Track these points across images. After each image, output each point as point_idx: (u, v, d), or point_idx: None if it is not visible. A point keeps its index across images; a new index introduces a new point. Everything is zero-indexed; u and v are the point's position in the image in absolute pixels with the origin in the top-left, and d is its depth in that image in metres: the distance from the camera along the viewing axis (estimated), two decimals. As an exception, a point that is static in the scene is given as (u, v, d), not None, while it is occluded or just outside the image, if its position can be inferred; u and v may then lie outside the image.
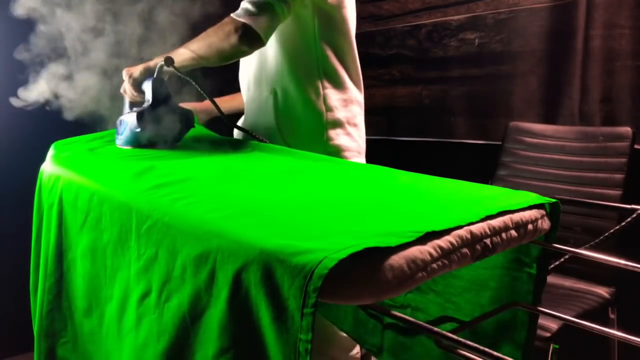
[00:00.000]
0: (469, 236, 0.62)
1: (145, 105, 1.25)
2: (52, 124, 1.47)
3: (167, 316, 0.71)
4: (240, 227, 0.64)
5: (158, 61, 1.24)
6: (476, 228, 0.64)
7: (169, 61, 1.19)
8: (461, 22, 2.20)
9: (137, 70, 1.27)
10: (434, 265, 0.58)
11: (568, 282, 1.68)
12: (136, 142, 1.23)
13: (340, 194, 0.81)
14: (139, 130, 1.21)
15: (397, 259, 0.54)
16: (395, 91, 2.38)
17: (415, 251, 0.56)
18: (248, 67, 1.44)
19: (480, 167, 2.02)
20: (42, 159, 1.24)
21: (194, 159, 1.12)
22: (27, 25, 1.68)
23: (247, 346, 0.59)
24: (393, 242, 0.55)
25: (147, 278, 0.77)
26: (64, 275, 1.06)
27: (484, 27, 2.13)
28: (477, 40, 2.16)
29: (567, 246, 0.75)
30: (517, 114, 2.04)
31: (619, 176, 1.69)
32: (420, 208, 0.70)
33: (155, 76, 1.25)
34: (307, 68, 1.32)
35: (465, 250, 0.62)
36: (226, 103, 1.59)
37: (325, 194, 0.81)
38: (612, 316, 1.65)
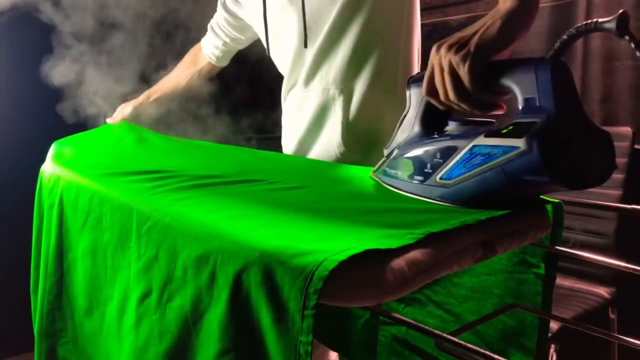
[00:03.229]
0: (470, 238, 0.62)
1: (533, 119, 0.62)
2: (52, 124, 1.47)
3: (169, 317, 0.71)
4: (240, 229, 0.64)
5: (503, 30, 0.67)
6: (477, 229, 0.64)
7: (626, 21, 0.58)
8: (461, 22, 2.20)
9: (476, 40, 0.67)
10: (435, 268, 0.58)
11: (568, 282, 1.68)
12: (507, 197, 0.66)
13: (341, 195, 0.81)
14: (539, 177, 0.60)
15: (398, 261, 0.54)
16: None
17: (416, 253, 0.56)
18: (301, 58, 1.19)
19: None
20: (42, 159, 1.24)
21: (194, 160, 1.13)
22: (27, 25, 1.68)
23: (248, 347, 0.59)
24: (394, 244, 0.55)
25: (148, 278, 0.77)
26: (64, 275, 1.06)
27: (484, 27, 2.13)
28: (477, 40, 2.16)
29: (567, 247, 0.75)
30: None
31: (619, 176, 1.69)
32: (420, 210, 0.70)
33: (554, 55, 0.64)
34: (393, 63, 1.11)
35: (466, 252, 0.62)
36: (160, 91, 1.49)
37: (326, 195, 0.81)
38: (612, 316, 1.65)
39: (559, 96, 0.61)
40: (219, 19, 1.42)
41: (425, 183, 0.72)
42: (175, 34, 1.74)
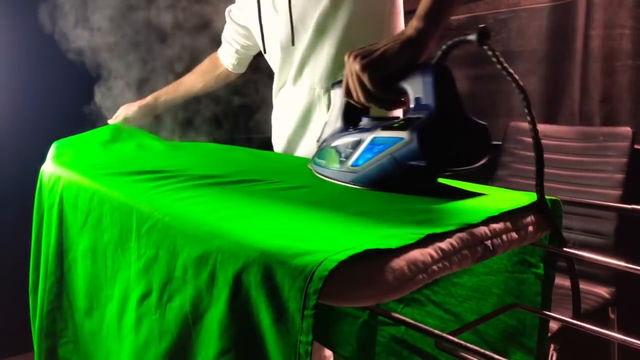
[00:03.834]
0: (469, 238, 0.62)
1: (419, 114, 0.76)
2: (52, 124, 1.47)
3: (169, 317, 0.71)
4: (240, 228, 0.64)
5: (403, 43, 0.79)
6: (477, 230, 0.64)
7: (486, 36, 0.70)
8: (461, 22, 2.20)
9: (378, 54, 0.79)
10: (435, 267, 0.58)
11: (568, 282, 1.68)
12: (398, 180, 0.78)
13: (341, 195, 0.81)
14: (419, 162, 0.73)
15: (397, 261, 0.55)
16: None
17: (416, 253, 0.56)
18: (290, 56, 1.25)
19: (480, 167, 2.02)
20: (42, 159, 1.24)
21: (194, 160, 1.13)
22: (27, 26, 1.68)
23: (248, 347, 0.59)
24: (394, 244, 0.55)
25: (148, 278, 0.77)
26: (64, 275, 1.06)
27: (484, 27, 2.13)
28: (477, 40, 2.16)
29: (567, 247, 0.75)
30: (517, 114, 2.04)
31: (619, 176, 1.69)
32: (420, 210, 0.70)
33: (438, 61, 0.77)
34: None
35: (466, 252, 0.62)
36: (170, 94, 1.54)
37: (326, 195, 0.81)
38: (612, 316, 1.65)
39: (439, 96, 0.74)
40: (228, 29, 1.51)
41: (341, 170, 0.85)
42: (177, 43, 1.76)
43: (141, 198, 0.84)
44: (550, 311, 0.78)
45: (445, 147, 0.74)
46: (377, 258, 0.54)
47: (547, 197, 0.74)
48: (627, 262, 0.71)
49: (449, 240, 0.60)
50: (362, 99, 0.82)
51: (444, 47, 0.76)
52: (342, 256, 0.51)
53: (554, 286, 0.80)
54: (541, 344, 0.79)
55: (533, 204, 0.72)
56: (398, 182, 0.78)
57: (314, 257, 0.52)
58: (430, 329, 0.54)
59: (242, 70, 1.58)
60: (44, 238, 1.12)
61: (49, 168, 1.16)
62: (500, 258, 0.80)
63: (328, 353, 1.33)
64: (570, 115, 1.93)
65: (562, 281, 1.77)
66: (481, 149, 0.76)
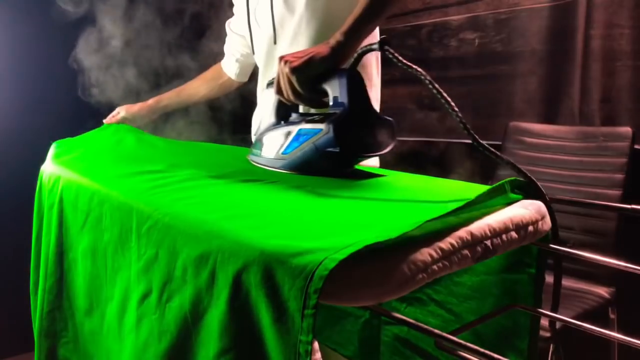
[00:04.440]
0: (469, 238, 0.62)
1: (335, 110, 0.90)
2: (52, 124, 1.47)
3: (168, 316, 0.71)
4: (240, 228, 0.64)
5: (325, 52, 0.92)
6: (477, 230, 0.64)
7: (386, 43, 0.83)
8: (461, 22, 2.20)
9: (304, 59, 0.93)
10: (435, 267, 0.58)
11: (568, 282, 1.68)
12: (318, 165, 0.91)
13: (339, 194, 0.81)
14: (334, 149, 0.87)
15: (397, 260, 0.55)
16: (396, 91, 2.38)
17: (416, 252, 0.56)
18: (272, 56, 1.30)
19: (480, 167, 2.02)
20: (42, 159, 1.24)
21: (194, 160, 1.13)
22: (27, 26, 1.68)
23: (248, 347, 0.59)
24: (393, 234, 0.55)
25: (148, 278, 0.77)
26: (64, 275, 1.06)
27: (484, 27, 2.13)
28: (477, 40, 2.16)
29: (567, 247, 0.75)
30: (517, 114, 2.04)
31: (619, 176, 1.69)
32: (421, 209, 0.70)
33: (351, 67, 0.92)
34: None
35: (465, 251, 0.62)
36: (173, 99, 1.58)
37: (326, 194, 0.81)
38: (612, 316, 1.65)
39: (350, 95, 0.88)
40: (229, 40, 1.58)
41: (273, 158, 0.97)
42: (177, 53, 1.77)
43: (141, 198, 0.84)
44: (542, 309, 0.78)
45: (356, 137, 0.89)
46: (377, 258, 0.54)
47: (509, 179, 0.73)
48: (627, 262, 0.71)
49: (448, 239, 0.60)
50: (291, 97, 0.95)
51: (355, 55, 0.91)
52: (343, 255, 0.51)
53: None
54: (534, 344, 0.80)
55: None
56: (319, 167, 0.90)
57: (314, 256, 0.52)
58: (431, 328, 0.54)
59: (245, 78, 1.63)
60: (44, 238, 1.12)
61: (49, 168, 1.16)
62: (499, 258, 0.80)
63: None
64: (570, 115, 1.93)
65: (562, 281, 1.76)
66: (387, 139, 0.91)
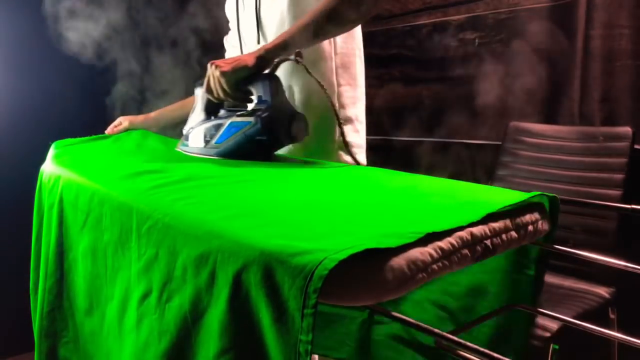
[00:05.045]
0: (469, 237, 0.62)
1: (261, 107, 1.09)
2: (52, 124, 1.47)
3: (168, 316, 0.71)
4: (240, 228, 0.64)
5: (250, 60, 1.10)
6: (477, 229, 0.64)
7: (300, 55, 1.08)
8: (461, 22, 2.20)
9: (233, 65, 1.11)
10: (435, 267, 0.58)
11: (568, 282, 1.68)
12: (248, 151, 1.09)
13: (340, 195, 0.81)
14: (262, 137, 1.07)
15: (397, 260, 0.55)
16: (396, 91, 2.38)
17: (415, 252, 0.56)
18: None
19: (480, 167, 2.02)
20: (42, 159, 1.24)
21: (194, 160, 1.13)
22: (27, 26, 1.68)
23: (248, 347, 0.59)
24: (393, 242, 0.55)
25: (148, 278, 0.77)
26: (64, 275, 1.06)
27: (484, 27, 2.13)
28: (477, 40, 2.16)
29: (567, 246, 0.75)
30: (517, 114, 2.04)
31: (619, 176, 1.69)
32: (420, 209, 0.70)
33: (271, 72, 1.12)
34: (325, 63, 1.27)
35: (465, 251, 0.62)
36: (176, 112, 1.57)
37: (325, 195, 0.81)
38: (612, 316, 1.65)
39: (272, 95, 1.09)
40: (227, 54, 1.58)
41: (206, 147, 1.15)
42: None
43: (141, 198, 0.84)
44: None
45: (278, 128, 1.08)
46: (377, 257, 0.54)
47: (546, 193, 0.74)
48: (627, 262, 0.71)
49: (448, 239, 0.60)
50: (221, 96, 1.12)
51: (275, 62, 1.11)
52: (342, 255, 0.51)
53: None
54: (526, 342, 0.80)
55: (529, 201, 0.72)
56: (249, 152, 1.08)
57: (313, 256, 0.52)
58: (431, 328, 0.54)
59: None
60: (44, 238, 1.12)
61: (49, 168, 1.16)
62: (497, 257, 0.80)
63: None
64: (570, 115, 1.93)
65: (562, 281, 1.77)
66: (302, 130, 1.11)
